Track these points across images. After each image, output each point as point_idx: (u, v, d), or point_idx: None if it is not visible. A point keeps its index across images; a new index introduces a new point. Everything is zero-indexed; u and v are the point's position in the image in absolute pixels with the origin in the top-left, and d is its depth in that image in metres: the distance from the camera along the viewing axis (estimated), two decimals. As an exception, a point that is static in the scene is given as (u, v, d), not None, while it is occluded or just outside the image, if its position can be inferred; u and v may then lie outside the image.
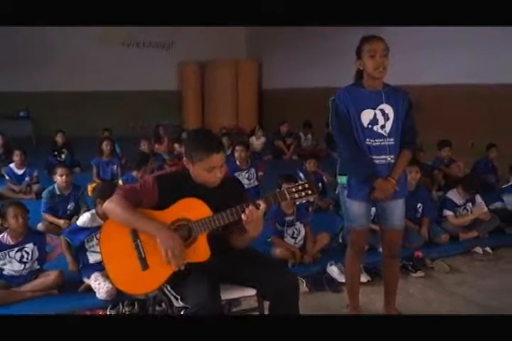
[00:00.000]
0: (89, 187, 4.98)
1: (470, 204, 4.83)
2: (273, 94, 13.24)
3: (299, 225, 4.12)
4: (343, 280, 3.77)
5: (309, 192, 2.39)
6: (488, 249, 4.50)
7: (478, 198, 4.84)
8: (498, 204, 5.23)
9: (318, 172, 5.83)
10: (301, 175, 5.48)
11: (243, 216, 2.32)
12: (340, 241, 4.46)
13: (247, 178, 5.68)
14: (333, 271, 3.89)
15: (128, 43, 13.09)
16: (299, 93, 11.80)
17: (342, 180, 2.93)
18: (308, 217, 4.34)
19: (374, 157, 2.83)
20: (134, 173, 5.51)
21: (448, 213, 4.76)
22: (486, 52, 7.46)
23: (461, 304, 3.52)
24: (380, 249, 4.05)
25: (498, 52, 7.30)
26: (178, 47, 13.22)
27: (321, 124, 10.06)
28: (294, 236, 4.11)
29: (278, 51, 12.60)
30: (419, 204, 4.61)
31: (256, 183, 5.82)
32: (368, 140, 2.82)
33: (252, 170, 5.86)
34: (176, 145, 7.95)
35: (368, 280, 3.75)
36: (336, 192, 3.21)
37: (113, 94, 12.69)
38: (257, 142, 9.58)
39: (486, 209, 4.85)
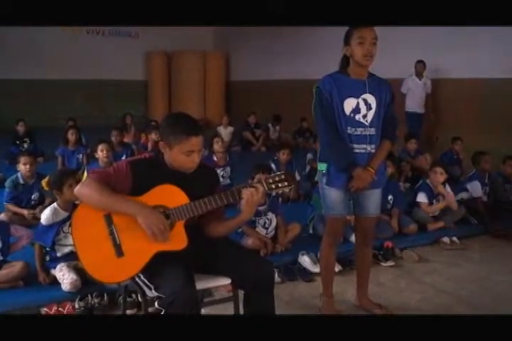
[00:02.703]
0: (43, 182, 4.83)
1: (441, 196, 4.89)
2: (240, 85, 13.19)
3: (270, 215, 4.10)
4: (315, 270, 3.79)
5: (286, 183, 2.37)
6: (455, 238, 4.59)
7: (448, 187, 4.92)
8: (463, 195, 5.33)
9: (291, 162, 5.82)
10: (273, 166, 5.45)
11: (244, 195, 2.30)
12: (311, 231, 4.48)
13: (221, 176, 5.59)
14: (305, 260, 3.89)
15: (93, 31, 12.75)
16: (267, 85, 11.79)
17: (322, 167, 2.92)
18: (279, 207, 4.32)
19: (354, 146, 2.83)
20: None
21: (422, 199, 4.82)
22: (441, 47, 7.63)
23: (431, 292, 3.58)
24: (352, 239, 4.12)
25: (450, 47, 7.46)
26: (145, 36, 12.95)
27: (288, 116, 10.14)
28: (266, 226, 4.09)
29: (245, 43, 12.54)
30: (390, 196, 4.66)
31: (228, 181, 5.75)
32: (349, 128, 2.82)
33: (228, 169, 5.80)
34: (143, 135, 7.81)
35: (340, 270, 3.76)
36: (316, 178, 3.20)
37: (77, 82, 12.36)
38: (225, 131, 9.44)
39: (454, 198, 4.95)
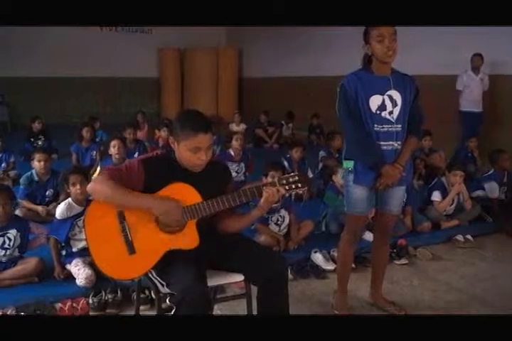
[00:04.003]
0: None
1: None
2: (253, 82, 13.18)
3: (283, 212, 4.09)
4: (328, 268, 3.79)
5: (299, 185, 2.37)
6: (469, 236, 4.55)
7: (463, 186, 4.87)
8: (479, 192, 5.27)
9: (303, 160, 5.80)
10: (285, 163, 5.44)
11: (265, 193, 2.32)
12: (324, 229, 4.46)
13: (235, 171, 5.60)
14: (318, 258, 3.88)
15: (106, 28, 12.79)
16: (279, 81, 11.77)
17: (348, 164, 2.91)
18: (292, 204, 4.32)
19: (381, 143, 2.82)
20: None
21: (437, 198, 4.78)
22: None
23: (444, 290, 3.55)
24: (366, 237, 4.10)
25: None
26: (157, 33, 12.98)
27: (301, 113, 10.11)
28: (279, 223, 4.09)
29: (258, 39, 12.52)
30: (404, 194, 4.62)
31: (242, 178, 5.76)
32: (375, 126, 2.80)
33: (242, 164, 5.80)
34: (157, 132, 7.84)
35: (353, 268, 3.74)
36: (341, 177, 3.19)
37: (89, 80, 12.43)
38: (237, 129, 9.42)
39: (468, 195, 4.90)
